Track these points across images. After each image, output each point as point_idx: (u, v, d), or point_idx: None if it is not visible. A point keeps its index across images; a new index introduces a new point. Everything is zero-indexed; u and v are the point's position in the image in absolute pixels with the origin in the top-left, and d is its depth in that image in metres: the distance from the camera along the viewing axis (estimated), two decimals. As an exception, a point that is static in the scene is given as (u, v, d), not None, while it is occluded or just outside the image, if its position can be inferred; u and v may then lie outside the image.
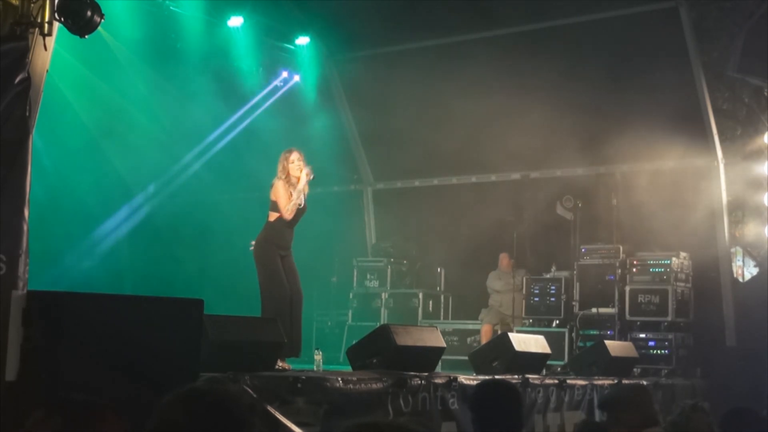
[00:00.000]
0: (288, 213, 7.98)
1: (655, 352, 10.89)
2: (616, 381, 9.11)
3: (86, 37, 5.56)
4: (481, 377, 7.65)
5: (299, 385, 5.87)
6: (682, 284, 11.10)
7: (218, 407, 2.35)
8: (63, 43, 6.74)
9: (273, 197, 8.07)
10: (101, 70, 11.51)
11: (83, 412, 2.80)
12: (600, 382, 8.95)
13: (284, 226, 8.07)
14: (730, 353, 10.87)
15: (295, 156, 8.08)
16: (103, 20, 5.57)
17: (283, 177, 8.04)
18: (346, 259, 13.35)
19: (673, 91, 11.10)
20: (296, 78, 13.39)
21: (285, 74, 13.39)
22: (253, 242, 8.13)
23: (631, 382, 9.36)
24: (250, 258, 8.10)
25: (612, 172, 12.12)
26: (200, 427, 2.31)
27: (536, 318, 11.69)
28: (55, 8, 5.24)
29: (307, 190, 8.13)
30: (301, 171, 8.04)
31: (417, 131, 12.65)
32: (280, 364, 7.34)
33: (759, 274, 11.27)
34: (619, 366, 9.74)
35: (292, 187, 8.04)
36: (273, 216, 8.07)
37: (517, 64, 11.60)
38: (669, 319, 10.87)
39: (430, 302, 12.92)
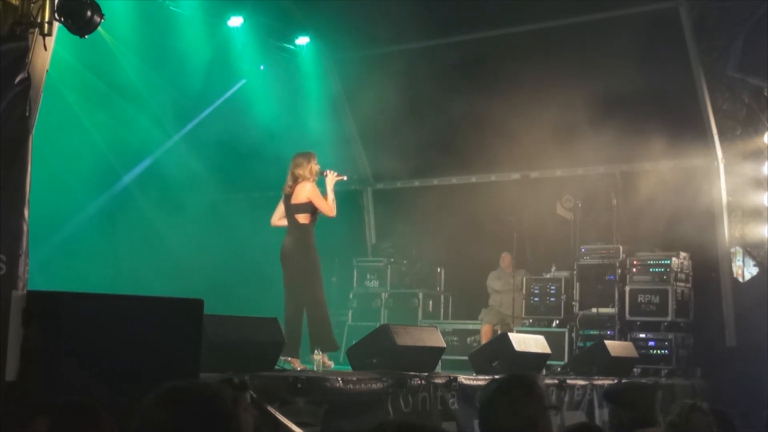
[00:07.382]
0: (333, 210, 8.26)
1: (655, 352, 10.88)
2: (616, 381, 9.10)
3: (86, 37, 5.56)
4: (482, 377, 7.66)
5: (299, 385, 5.86)
6: (682, 284, 11.09)
7: (201, 403, 2.33)
8: (63, 43, 6.74)
9: (306, 199, 8.15)
10: (101, 70, 11.50)
11: (73, 412, 2.79)
12: (600, 382, 8.94)
13: (312, 226, 8.30)
14: (730, 353, 10.87)
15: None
16: (103, 20, 5.57)
17: (311, 178, 8.17)
18: (346, 259, 13.33)
19: (673, 91, 11.10)
20: (296, 78, 13.38)
21: (285, 74, 13.38)
22: (288, 246, 8.20)
23: (638, 380, 9.36)
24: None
25: (612, 172, 12.12)
26: (184, 424, 2.29)
27: (536, 318, 11.68)
28: (55, 8, 5.24)
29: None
30: (322, 173, 8.33)
31: (417, 131, 12.64)
32: (326, 362, 7.84)
33: (759, 274, 11.26)
34: (619, 366, 9.74)
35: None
36: (306, 218, 8.22)
37: (517, 65, 11.59)
38: (669, 319, 10.87)
39: (430, 302, 12.91)
